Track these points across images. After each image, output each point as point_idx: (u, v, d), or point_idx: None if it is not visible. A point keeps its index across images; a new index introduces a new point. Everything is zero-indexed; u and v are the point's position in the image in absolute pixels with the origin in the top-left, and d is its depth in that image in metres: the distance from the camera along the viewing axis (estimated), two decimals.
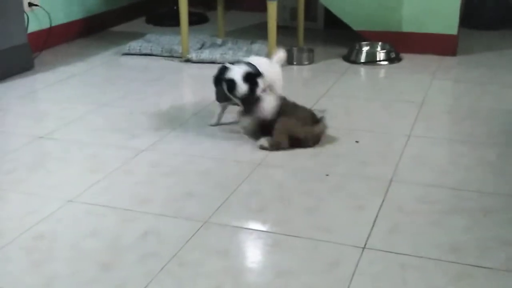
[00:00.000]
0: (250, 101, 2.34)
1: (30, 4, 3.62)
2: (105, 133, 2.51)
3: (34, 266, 1.61)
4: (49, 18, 3.75)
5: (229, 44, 3.70)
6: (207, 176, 2.13)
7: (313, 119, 2.36)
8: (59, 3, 3.92)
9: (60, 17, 3.91)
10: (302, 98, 2.88)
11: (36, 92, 3.10)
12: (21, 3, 3.30)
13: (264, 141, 2.31)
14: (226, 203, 1.93)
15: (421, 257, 1.63)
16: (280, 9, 4.09)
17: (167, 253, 1.66)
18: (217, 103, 2.55)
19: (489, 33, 4.07)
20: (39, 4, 3.69)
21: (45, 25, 3.76)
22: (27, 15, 3.46)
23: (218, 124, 2.55)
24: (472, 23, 4.10)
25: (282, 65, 2.65)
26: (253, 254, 1.71)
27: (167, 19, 4.52)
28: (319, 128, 2.34)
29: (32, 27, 3.62)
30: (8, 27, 3.20)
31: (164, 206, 1.92)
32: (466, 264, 1.59)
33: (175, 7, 4.32)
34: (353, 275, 1.56)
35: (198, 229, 1.78)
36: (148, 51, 3.64)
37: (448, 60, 3.48)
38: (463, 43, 3.69)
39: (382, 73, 3.37)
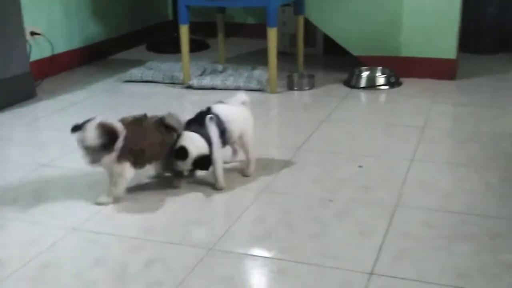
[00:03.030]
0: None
1: (32, 33, 3.65)
2: None
3: None
4: (51, 46, 3.78)
5: (230, 71, 3.72)
6: (211, 203, 2.13)
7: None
8: (61, 31, 3.96)
9: (61, 46, 3.95)
10: (303, 123, 2.91)
11: (38, 120, 3.11)
12: (23, 32, 3.33)
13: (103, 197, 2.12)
14: (231, 230, 1.92)
15: (428, 282, 1.62)
16: (280, 35, 4.14)
17: (172, 281, 1.65)
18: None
19: (487, 57, 4.11)
20: (41, 33, 3.72)
21: (47, 53, 3.79)
22: (29, 43, 3.49)
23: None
24: (470, 47, 4.14)
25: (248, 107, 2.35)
26: (259, 281, 1.70)
27: (167, 46, 4.55)
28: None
29: (34, 56, 3.64)
30: (11, 56, 3.23)
31: (168, 234, 1.92)
32: None
33: (175, 34, 4.36)
34: None
35: (203, 257, 1.77)
36: (150, 78, 3.66)
37: (448, 84, 3.51)
38: (462, 67, 3.73)
39: (382, 97, 3.39)
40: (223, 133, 2.20)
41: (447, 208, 2.04)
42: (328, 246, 1.82)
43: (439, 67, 3.57)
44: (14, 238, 1.92)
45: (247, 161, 2.33)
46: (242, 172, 2.32)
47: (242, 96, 2.33)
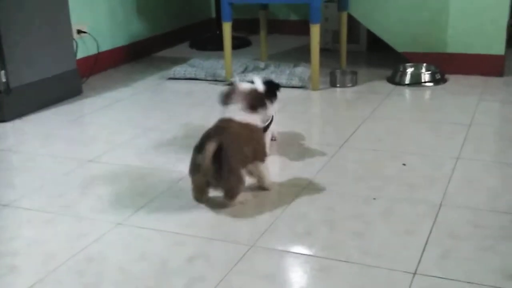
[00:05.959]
0: None
1: (79, 31, 3.73)
2: (151, 157, 2.54)
3: None
4: (97, 44, 3.85)
5: (272, 67, 3.72)
6: (252, 200, 2.13)
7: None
8: (106, 30, 4.03)
9: (106, 44, 4.02)
10: (346, 120, 2.89)
11: (84, 117, 3.17)
12: (70, 31, 3.40)
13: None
14: (272, 227, 1.92)
15: (474, 283, 1.58)
16: (323, 31, 4.11)
17: (214, 277, 1.66)
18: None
19: None
20: (87, 31, 3.80)
21: (93, 51, 3.86)
22: (76, 41, 3.56)
23: None
24: None
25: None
26: (301, 279, 1.69)
27: (210, 43, 4.58)
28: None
29: (81, 53, 3.72)
30: (59, 53, 3.31)
31: (210, 230, 1.93)
32: None
33: (218, 32, 4.39)
34: None
35: (245, 253, 1.77)
36: (192, 76, 3.69)
37: (495, 81, 3.42)
38: (510, 63, 3.62)
39: (427, 94, 3.33)
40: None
41: (494, 207, 1.99)
42: (371, 244, 1.80)
43: (487, 63, 3.48)
44: (61, 232, 1.96)
45: None
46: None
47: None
